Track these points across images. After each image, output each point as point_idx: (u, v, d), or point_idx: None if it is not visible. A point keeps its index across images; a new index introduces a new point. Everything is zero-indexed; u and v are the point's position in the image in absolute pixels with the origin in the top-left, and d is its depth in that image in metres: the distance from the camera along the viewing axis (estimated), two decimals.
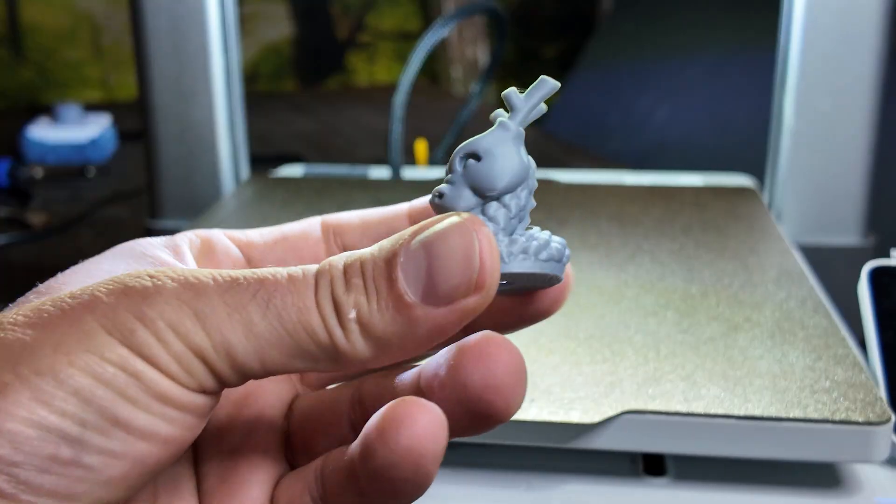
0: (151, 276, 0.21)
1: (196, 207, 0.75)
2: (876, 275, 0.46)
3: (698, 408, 0.39)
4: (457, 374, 0.22)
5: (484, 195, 0.23)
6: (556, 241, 0.24)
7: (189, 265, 0.26)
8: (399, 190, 0.74)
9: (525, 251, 0.23)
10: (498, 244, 0.22)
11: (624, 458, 0.42)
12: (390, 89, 0.82)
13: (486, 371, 0.21)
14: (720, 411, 0.39)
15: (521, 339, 0.45)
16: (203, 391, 0.21)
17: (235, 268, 0.28)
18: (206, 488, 0.25)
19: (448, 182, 0.23)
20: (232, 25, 0.75)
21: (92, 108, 1.32)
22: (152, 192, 0.77)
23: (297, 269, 0.22)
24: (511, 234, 0.23)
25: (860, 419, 0.38)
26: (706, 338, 0.45)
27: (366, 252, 0.22)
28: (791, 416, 0.38)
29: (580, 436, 0.39)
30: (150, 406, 0.20)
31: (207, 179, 0.76)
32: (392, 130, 0.77)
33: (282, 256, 0.29)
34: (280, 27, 0.90)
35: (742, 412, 0.39)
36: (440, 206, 0.23)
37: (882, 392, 0.42)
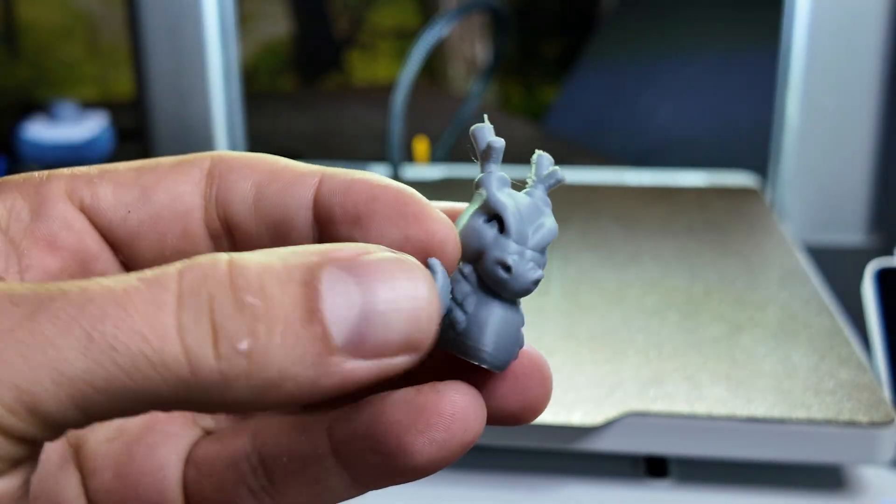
0: None
1: None
2: (881, 274, 0.46)
3: (701, 409, 0.39)
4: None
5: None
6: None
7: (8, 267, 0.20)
8: None
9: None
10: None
11: (626, 460, 0.42)
12: (390, 87, 0.81)
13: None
14: (723, 412, 0.38)
15: None
16: None
17: (79, 251, 0.21)
18: None
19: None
20: (230, 23, 0.74)
21: (89, 105, 1.31)
22: None
23: (143, 275, 0.16)
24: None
25: (865, 420, 0.38)
26: (709, 338, 0.45)
27: (261, 258, 0.17)
28: (795, 417, 0.38)
29: (582, 438, 0.39)
30: None
31: None
32: (392, 128, 0.77)
33: (155, 229, 0.21)
34: (278, 25, 0.90)
35: (745, 413, 0.38)
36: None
37: (886, 393, 0.42)
